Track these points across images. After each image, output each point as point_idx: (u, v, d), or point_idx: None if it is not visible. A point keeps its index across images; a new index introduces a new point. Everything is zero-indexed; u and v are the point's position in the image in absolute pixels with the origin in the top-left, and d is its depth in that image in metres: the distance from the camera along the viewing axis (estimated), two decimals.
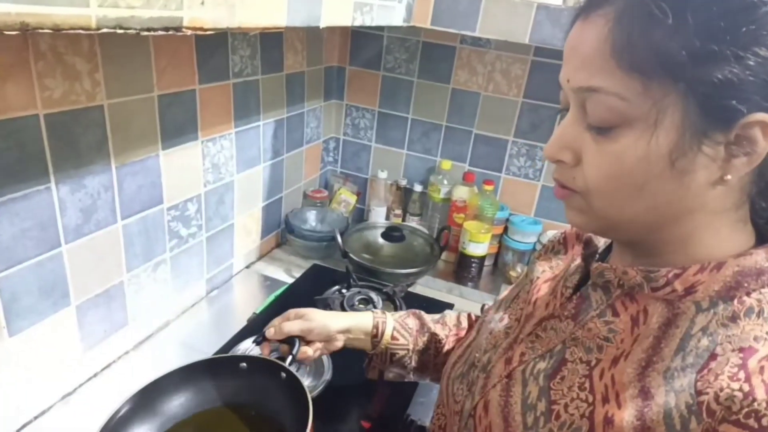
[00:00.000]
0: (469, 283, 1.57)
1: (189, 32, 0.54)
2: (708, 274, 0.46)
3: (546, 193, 1.65)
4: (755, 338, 0.42)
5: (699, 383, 0.42)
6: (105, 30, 0.43)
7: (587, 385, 0.49)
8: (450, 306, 1.35)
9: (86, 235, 0.91)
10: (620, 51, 0.42)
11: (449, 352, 0.84)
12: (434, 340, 0.86)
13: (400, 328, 0.86)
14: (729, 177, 0.43)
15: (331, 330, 0.84)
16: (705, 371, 0.42)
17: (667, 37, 0.40)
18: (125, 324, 1.08)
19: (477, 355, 0.64)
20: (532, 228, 1.63)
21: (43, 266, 0.85)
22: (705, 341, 0.44)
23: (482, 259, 1.60)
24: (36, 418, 0.92)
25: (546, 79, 1.53)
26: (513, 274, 1.59)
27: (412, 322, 0.88)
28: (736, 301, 0.44)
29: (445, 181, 1.67)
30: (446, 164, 1.66)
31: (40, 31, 0.38)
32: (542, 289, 0.65)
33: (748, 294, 0.44)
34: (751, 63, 0.39)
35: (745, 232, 0.48)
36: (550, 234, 1.62)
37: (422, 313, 0.91)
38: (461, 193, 1.64)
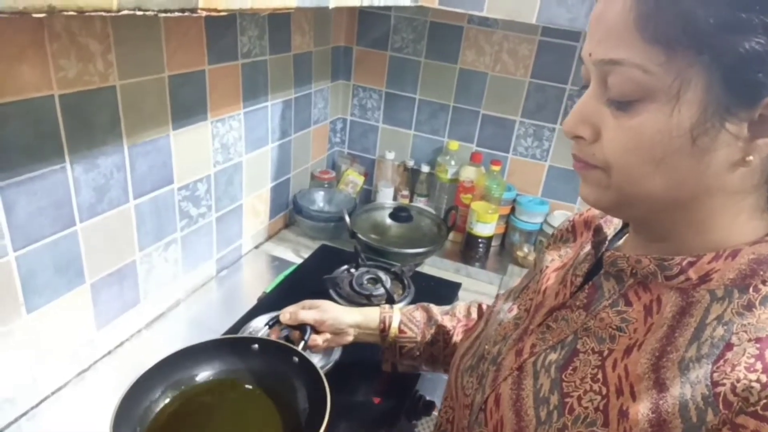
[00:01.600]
0: (476, 263, 1.58)
1: (204, 14, 0.54)
2: (723, 262, 0.45)
3: (553, 173, 1.65)
4: None
5: (715, 374, 0.41)
6: (125, 12, 0.44)
7: (600, 376, 0.48)
8: (458, 286, 1.36)
9: (100, 214, 0.93)
10: (644, 21, 0.40)
11: (458, 343, 0.84)
12: (442, 332, 0.87)
13: (407, 321, 0.88)
14: (751, 158, 0.42)
15: (343, 323, 0.88)
16: (721, 362, 0.41)
17: (693, 4, 0.39)
18: (137, 302, 1.10)
19: (486, 347, 0.63)
20: (539, 208, 1.64)
21: (58, 244, 0.86)
22: (720, 330, 0.43)
23: (489, 239, 1.61)
24: (53, 393, 0.94)
25: (553, 59, 1.53)
26: (520, 254, 1.60)
27: (419, 315, 0.90)
28: (751, 290, 0.43)
29: (453, 162, 1.68)
30: (453, 145, 1.66)
31: (65, 13, 0.38)
32: (551, 278, 0.63)
33: (764, 282, 0.43)
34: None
35: (762, 219, 0.47)
36: (558, 214, 1.63)
37: (431, 305, 0.92)
38: (468, 173, 1.64)
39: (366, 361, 1.00)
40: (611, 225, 0.62)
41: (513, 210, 1.68)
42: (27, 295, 0.84)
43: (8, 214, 0.77)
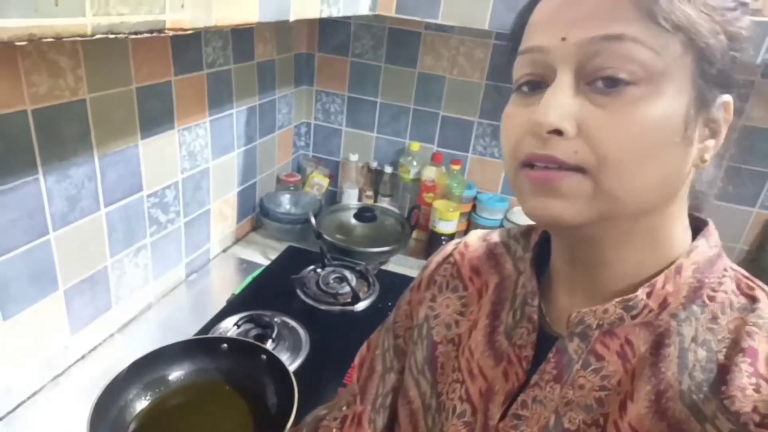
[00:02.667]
0: None
1: (171, 33, 0.59)
2: (673, 282, 0.44)
3: None
4: (749, 334, 0.41)
5: (733, 407, 0.39)
6: (99, 36, 0.49)
7: None
8: None
9: (72, 223, 0.96)
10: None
11: None
12: None
13: None
14: (707, 158, 0.43)
15: None
16: (723, 388, 0.40)
17: None
18: (109, 307, 1.12)
19: None
20: (499, 205, 1.71)
21: (32, 253, 0.89)
22: (702, 352, 0.42)
23: (452, 236, 1.67)
24: (28, 398, 0.97)
25: (507, 61, 1.60)
26: None
27: None
28: (707, 300, 0.43)
29: (415, 162, 1.74)
30: (415, 146, 1.72)
31: (44, 40, 0.43)
32: (482, 353, 0.54)
33: (714, 290, 0.43)
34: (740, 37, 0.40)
35: (684, 227, 0.47)
36: (517, 210, 1.71)
37: None
38: (430, 173, 1.71)
39: (335, 354, 1.06)
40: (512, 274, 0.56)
41: (474, 207, 1.75)
42: (2, 303, 0.86)
43: None
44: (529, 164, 0.42)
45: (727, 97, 0.41)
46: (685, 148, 0.40)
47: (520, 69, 0.45)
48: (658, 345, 0.44)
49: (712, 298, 0.43)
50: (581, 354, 0.47)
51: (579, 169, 0.40)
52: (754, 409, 0.38)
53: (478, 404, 0.52)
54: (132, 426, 0.77)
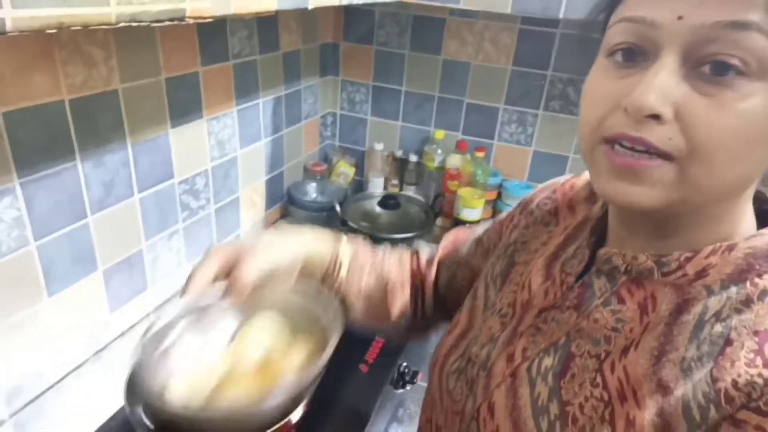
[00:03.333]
0: None
1: (191, 21, 0.63)
2: (719, 257, 0.43)
3: (538, 158, 1.73)
4: None
5: (714, 370, 0.39)
6: (122, 24, 0.53)
7: (599, 380, 0.45)
8: None
9: (108, 207, 1.02)
10: None
11: (390, 298, 0.75)
12: (383, 286, 0.75)
13: (354, 272, 0.73)
14: None
15: (283, 268, 0.65)
16: (720, 357, 0.40)
17: None
18: (145, 288, 1.19)
19: (474, 349, 0.59)
20: (525, 192, 1.66)
21: (73, 235, 0.96)
22: (719, 327, 0.41)
23: (477, 223, 1.69)
24: (74, 369, 1.04)
25: (533, 46, 1.60)
26: None
27: (363, 259, 0.75)
28: (748, 284, 0.42)
29: (439, 150, 1.76)
30: (439, 134, 1.74)
31: (73, 28, 0.47)
32: (537, 271, 0.58)
33: (760, 276, 0.42)
34: None
35: (751, 212, 0.46)
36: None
37: (369, 249, 0.78)
38: (454, 161, 1.72)
39: (358, 335, 1.09)
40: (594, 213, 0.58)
41: (499, 195, 1.75)
42: (48, 280, 0.93)
43: (29, 208, 0.86)
44: (611, 141, 0.41)
45: None
46: None
47: (618, 35, 0.42)
48: (679, 309, 0.44)
49: (754, 283, 0.42)
50: (604, 292, 0.49)
51: (667, 156, 0.39)
52: (734, 383, 0.38)
53: (518, 311, 0.57)
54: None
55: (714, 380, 0.39)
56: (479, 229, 0.76)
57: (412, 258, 0.80)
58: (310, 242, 0.69)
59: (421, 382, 1.07)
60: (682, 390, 0.40)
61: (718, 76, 0.37)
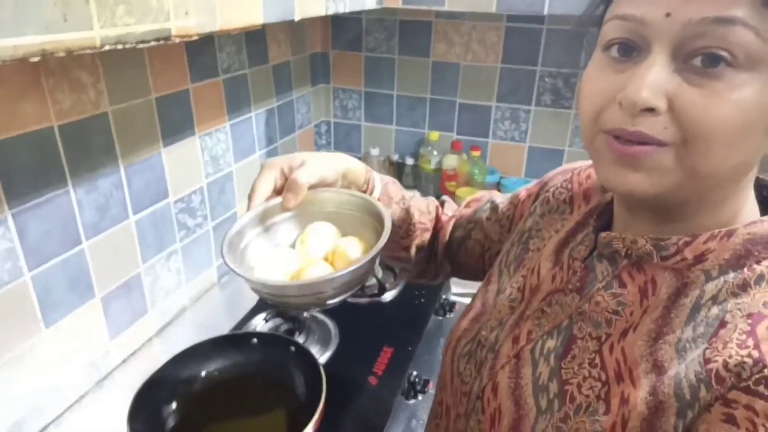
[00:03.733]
0: None
1: (177, 40, 0.61)
2: (718, 242, 0.44)
3: (534, 153, 1.72)
4: (765, 304, 0.40)
5: (707, 351, 0.40)
6: (107, 47, 0.51)
7: (598, 360, 0.47)
8: None
9: (103, 232, 1.00)
10: None
11: (413, 237, 0.78)
12: (407, 221, 0.78)
13: (384, 194, 0.76)
14: None
15: (329, 178, 0.69)
16: (714, 339, 0.41)
17: None
18: (145, 312, 1.17)
19: (484, 333, 0.61)
20: None
21: (68, 262, 0.94)
22: (715, 310, 0.42)
23: None
24: (75, 402, 1.02)
25: (521, 43, 1.60)
26: None
27: (393, 192, 0.78)
28: (746, 269, 0.43)
29: (435, 152, 1.75)
30: (434, 135, 1.73)
31: (56, 55, 0.45)
32: (547, 257, 0.61)
33: (758, 262, 0.42)
34: None
35: (752, 199, 0.47)
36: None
37: (399, 186, 0.80)
38: (450, 161, 1.71)
39: (363, 343, 1.08)
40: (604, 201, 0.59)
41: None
42: (44, 311, 0.91)
43: (21, 238, 0.84)
44: (611, 134, 0.43)
45: None
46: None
47: (612, 31, 0.43)
48: (678, 293, 0.45)
49: (752, 269, 0.42)
50: (606, 276, 0.50)
51: (664, 143, 0.41)
52: (725, 364, 0.39)
53: (526, 295, 0.59)
54: (169, 421, 0.80)
55: (706, 361, 0.40)
56: (498, 198, 0.78)
57: (437, 207, 0.84)
58: (349, 160, 0.73)
59: (432, 390, 1.05)
60: (675, 370, 0.41)
61: (709, 68, 0.39)
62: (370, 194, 0.74)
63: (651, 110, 0.40)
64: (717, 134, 0.39)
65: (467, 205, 0.82)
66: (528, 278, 0.60)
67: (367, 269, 0.60)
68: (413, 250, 0.80)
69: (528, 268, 0.62)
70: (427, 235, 0.81)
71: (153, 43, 0.58)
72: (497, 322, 0.60)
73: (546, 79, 1.62)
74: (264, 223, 0.67)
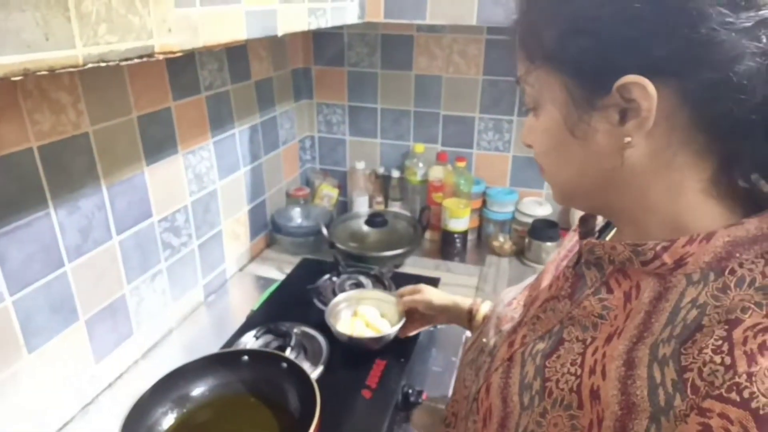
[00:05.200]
0: (456, 258, 1.65)
1: (161, 57, 0.61)
2: (697, 246, 0.44)
3: (517, 162, 1.73)
4: (743, 309, 0.40)
5: (683, 357, 0.41)
6: (90, 65, 0.50)
7: (579, 361, 0.49)
8: (437, 281, 1.43)
9: (86, 254, 0.98)
10: (521, 44, 0.51)
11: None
12: None
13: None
14: (629, 139, 0.45)
15: (434, 304, 1.01)
16: (689, 343, 0.41)
17: (535, 27, 0.49)
18: (131, 334, 1.14)
19: (485, 340, 0.66)
20: (508, 198, 1.71)
21: (51, 286, 0.92)
22: (693, 312, 0.43)
23: (464, 233, 1.68)
24: (60, 429, 0.99)
25: (501, 54, 1.61)
26: (496, 244, 1.67)
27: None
28: (727, 272, 0.43)
29: (420, 164, 1.75)
30: (419, 147, 1.73)
31: (39, 73, 0.44)
32: (549, 271, 0.66)
33: (740, 264, 0.43)
34: (595, 35, 0.44)
35: (729, 202, 0.47)
36: (527, 201, 1.71)
37: None
38: (436, 173, 1.71)
39: (355, 358, 1.06)
40: (599, 217, 0.64)
41: (484, 203, 1.75)
42: (26, 336, 0.89)
43: (2, 263, 0.82)
44: None
45: (632, 77, 0.42)
46: (584, 142, 0.48)
47: None
48: (659, 297, 0.46)
49: (733, 271, 0.43)
50: (595, 282, 0.53)
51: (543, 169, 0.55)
52: (699, 372, 0.39)
53: (528, 305, 0.64)
54: None
55: (682, 369, 0.40)
56: None
57: None
58: (455, 297, 1.02)
59: (427, 401, 1.04)
60: (646, 370, 0.42)
61: (533, 111, 0.53)
62: (472, 320, 0.96)
63: (530, 145, 0.55)
64: (541, 158, 0.54)
65: None
66: (532, 293, 0.65)
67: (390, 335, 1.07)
68: None
69: (533, 285, 0.67)
70: None
71: (137, 61, 0.57)
72: (497, 330, 0.65)
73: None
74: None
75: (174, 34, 0.62)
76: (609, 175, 0.49)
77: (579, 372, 0.48)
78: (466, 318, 0.96)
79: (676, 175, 0.46)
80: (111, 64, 0.53)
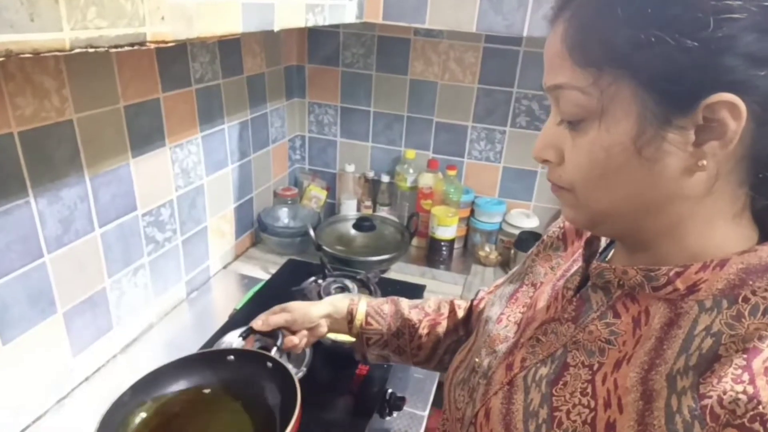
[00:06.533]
0: (441, 266, 1.64)
1: (153, 46, 0.59)
2: (711, 272, 0.44)
3: (507, 173, 1.72)
4: (760, 338, 0.40)
5: (701, 386, 0.40)
6: (77, 50, 0.48)
7: (589, 390, 0.47)
8: (422, 288, 1.41)
9: (67, 245, 0.95)
10: (574, 48, 0.44)
11: (423, 336, 0.87)
12: (408, 325, 0.88)
13: (373, 313, 0.89)
14: (704, 162, 0.42)
15: (313, 317, 0.88)
16: (708, 373, 0.40)
17: (609, 30, 0.42)
18: (110, 328, 1.12)
19: (477, 360, 0.63)
20: (497, 208, 1.70)
21: (28, 276, 0.89)
22: (709, 341, 0.42)
23: (452, 242, 1.67)
24: (33, 422, 0.96)
25: (498, 64, 1.60)
26: (482, 253, 1.66)
27: (387, 308, 0.90)
28: (741, 300, 0.42)
29: (411, 170, 1.74)
30: (410, 153, 1.72)
31: (22, 56, 0.43)
32: (544, 291, 0.63)
33: (753, 292, 0.42)
34: (690, 46, 0.39)
35: (748, 227, 0.46)
36: (515, 213, 1.70)
37: (400, 299, 0.93)
38: (427, 180, 1.70)
39: (338, 361, 1.05)
40: (602, 237, 0.61)
41: (472, 212, 1.74)
42: (2, 327, 0.86)
43: None
44: None
45: (726, 96, 0.39)
46: (650, 165, 0.43)
47: None
48: (671, 324, 0.45)
49: (746, 299, 0.42)
50: (601, 306, 0.51)
51: (564, 188, 0.50)
52: (719, 400, 0.38)
53: (522, 326, 0.62)
54: None
55: (701, 396, 0.39)
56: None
57: (451, 302, 0.91)
58: (332, 303, 0.90)
59: (408, 407, 1.03)
60: (665, 400, 0.41)
61: (573, 124, 0.47)
62: (352, 322, 0.89)
63: (548, 161, 0.50)
64: (584, 179, 0.47)
65: (494, 288, 0.85)
66: (526, 313, 0.63)
67: None
68: (430, 346, 0.87)
69: (523, 303, 0.66)
70: (440, 328, 0.88)
71: (127, 48, 0.55)
72: (491, 350, 0.62)
73: (523, 102, 1.63)
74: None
75: (167, 22, 0.61)
76: (658, 200, 0.45)
77: (593, 404, 0.46)
78: (346, 321, 0.89)
79: (715, 202, 0.45)
80: (100, 50, 0.51)
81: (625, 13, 0.41)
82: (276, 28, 0.87)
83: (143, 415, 0.79)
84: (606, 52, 0.42)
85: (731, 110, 0.39)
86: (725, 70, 0.39)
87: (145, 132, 1.10)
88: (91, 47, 0.50)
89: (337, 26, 1.69)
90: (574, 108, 0.45)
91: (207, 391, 0.84)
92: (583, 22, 0.44)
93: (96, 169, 0.99)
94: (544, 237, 0.73)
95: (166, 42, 0.62)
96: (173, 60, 1.15)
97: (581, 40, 0.44)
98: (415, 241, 1.70)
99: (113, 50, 0.53)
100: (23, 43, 0.43)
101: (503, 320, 0.65)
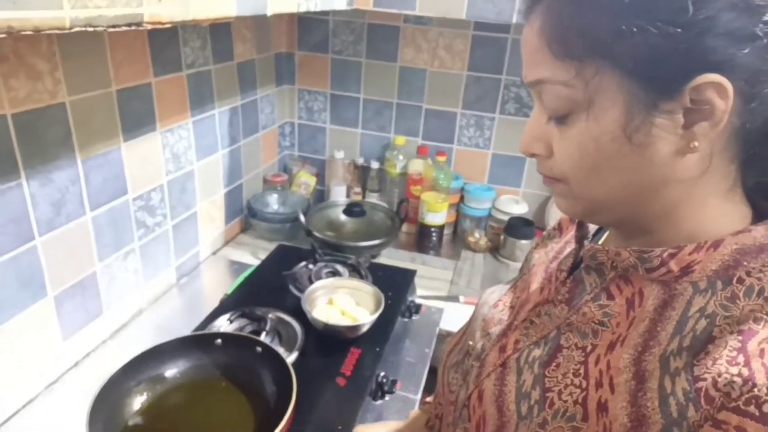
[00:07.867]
0: (431, 252, 1.66)
1: (149, 27, 0.59)
2: (705, 253, 0.44)
3: (497, 160, 1.74)
4: (755, 319, 0.39)
5: (696, 368, 0.39)
6: (77, 29, 0.48)
7: (582, 371, 0.47)
8: (413, 272, 1.43)
9: (58, 228, 0.95)
10: (551, 41, 0.44)
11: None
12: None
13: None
14: (695, 144, 0.42)
15: None
16: (702, 354, 0.40)
17: (588, 20, 0.42)
18: (100, 313, 1.12)
19: (471, 342, 0.63)
20: (486, 194, 1.72)
21: (19, 259, 0.89)
22: (703, 323, 0.41)
23: (441, 227, 1.69)
24: (23, 406, 0.96)
25: (487, 51, 1.61)
26: (471, 239, 1.68)
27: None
28: (735, 281, 0.42)
29: (401, 156, 1.75)
30: (400, 140, 1.73)
31: (23, 33, 0.43)
32: (537, 273, 0.63)
33: (748, 273, 0.42)
34: (672, 32, 0.39)
35: (741, 208, 0.47)
36: (504, 199, 1.72)
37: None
38: (416, 166, 1.71)
39: (329, 348, 1.06)
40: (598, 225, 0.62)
41: (462, 198, 1.76)
42: None
43: None
44: None
45: (711, 76, 0.39)
46: (641, 151, 0.43)
47: None
48: (665, 305, 0.45)
49: (741, 280, 0.42)
50: (594, 288, 0.51)
51: (556, 179, 0.49)
52: (714, 382, 0.38)
53: (516, 308, 0.62)
54: (130, 423, 0.77)
55: (695, 378, 0.39)
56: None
57: None
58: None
59: (400, 391, 1.04)
60: (658, 382, 0.41)
61: (559, 118, 0.46)
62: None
63: (537, 154, 0.50)
64: (578, 170, 0.46)
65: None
66: (520, 296, 0.63)
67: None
68: None
69: (520, 287, 0.65)
70: None
71: (124, 28, 0.55)
72: (484, 332, 0.62)
73: (512, 89, 1.64)
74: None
75: (164, 4, 0.61)
76: (653, 185, 0.45)
77: (584, 384, 0.46)
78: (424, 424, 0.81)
79: (708, 181, 0.45)
80: (98, 29, 0.52)
81: (604, 4, 0.41)
82: (269, 13, 0.87)
83: (136, 402, 0.80)
84: (586, 43, 0.42)
85: (718, 90, 0.40)
86: (708, 51, 0.39)
87: (137, 116, 1.10)
88: (90, 26, 0.50)
89: (326, 13, 1.69)
90: (558, 102, 0.45)
91: (202, 374, 0.85)
92: (560, 14, 0.43)
93: (87, 153, 0.98)
94: (544, 233, 0.74)
95: (163, 23, 0.62)
96: (165, 44, 1.14)
97: (560, 32, 0.43)
98: (405, 227, 1.71)
99: (110, 29, 0.53)
100: (24, 21, 0.43)
101: (500, 305, 0.65)
